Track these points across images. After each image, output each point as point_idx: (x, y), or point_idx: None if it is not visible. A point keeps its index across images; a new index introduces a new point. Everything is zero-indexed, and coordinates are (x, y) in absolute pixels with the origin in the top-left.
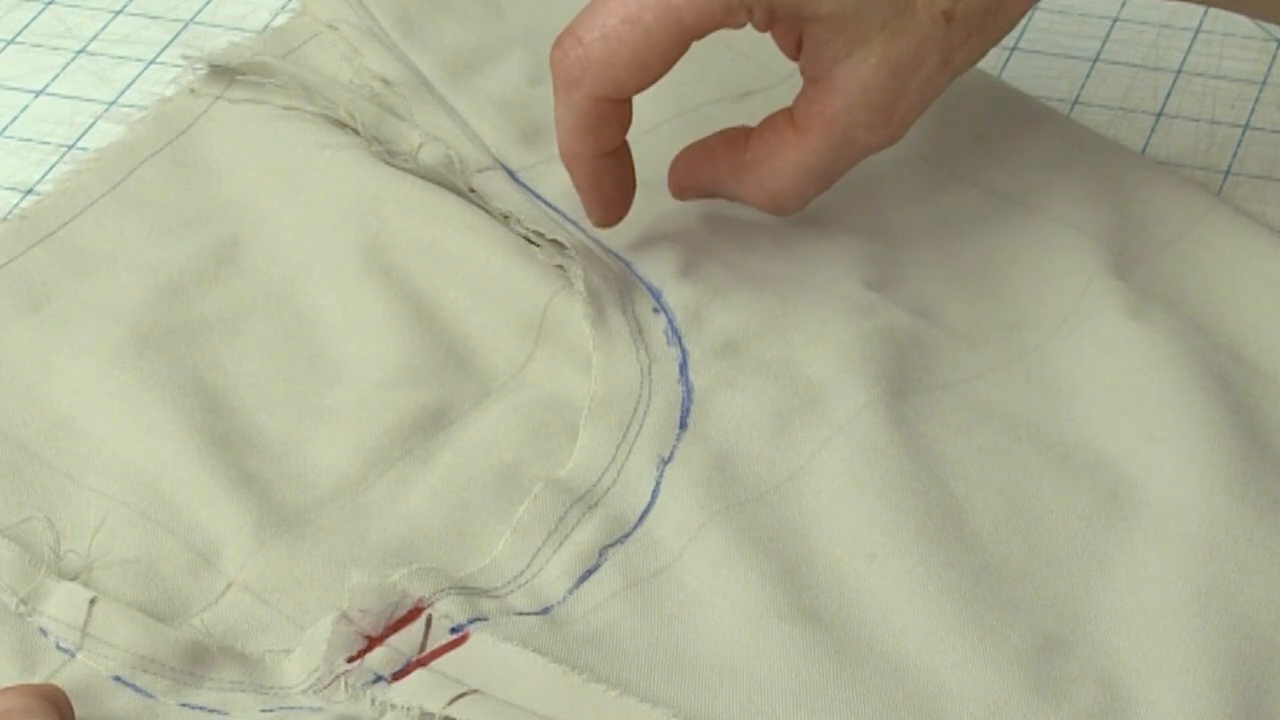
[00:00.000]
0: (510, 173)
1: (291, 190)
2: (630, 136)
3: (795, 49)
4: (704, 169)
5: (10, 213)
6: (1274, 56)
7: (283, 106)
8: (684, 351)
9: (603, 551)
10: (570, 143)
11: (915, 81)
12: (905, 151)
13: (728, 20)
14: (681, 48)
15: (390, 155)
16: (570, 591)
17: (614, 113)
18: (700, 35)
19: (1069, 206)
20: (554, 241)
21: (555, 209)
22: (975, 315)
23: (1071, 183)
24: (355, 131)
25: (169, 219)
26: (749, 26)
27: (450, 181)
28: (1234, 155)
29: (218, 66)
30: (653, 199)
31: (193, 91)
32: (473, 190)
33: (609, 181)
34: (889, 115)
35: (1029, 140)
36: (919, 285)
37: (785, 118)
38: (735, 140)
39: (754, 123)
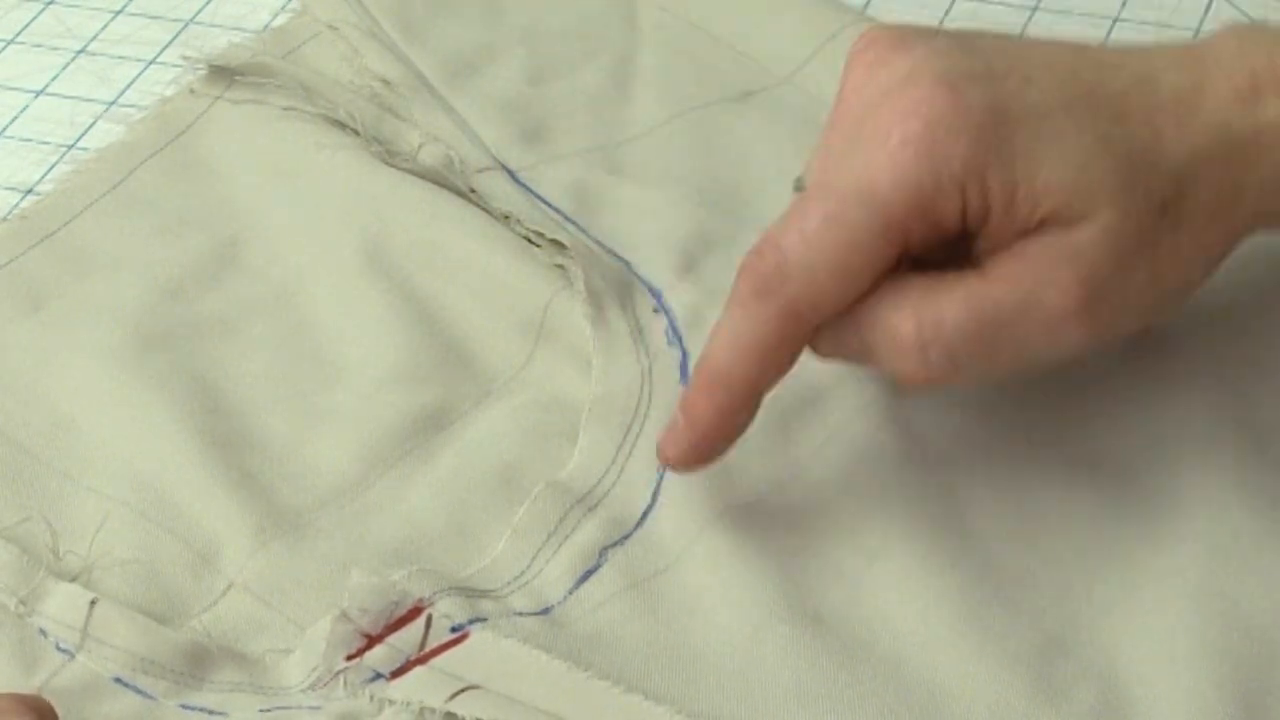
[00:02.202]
0: (510, 173)
1: (291, 190)
2: (630, 136)
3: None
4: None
5: (10, 213)
6: None
7: (283, 107)
8: (684, 352)
9: (603, 552)
10: (736, 364)
11: (1139, 272)
12: None
13: (937, 203)
14: (889, 248)
15: (390, 155)
16: (570, 591)
17: (799, 337)
18: (907, 233)
19: None
20: (554, 241)
21: (555, 209)
22: None
23: None
24: (355, 132)
25: (169, 219)
26: (749, 24)
27: (450, 182)
28: None
29: (218, 67)
30: (653, 199)
31: (193, 92)
32: (473, 190)
33: (735, 423)
34: (1092, 291)
35: None
36: None
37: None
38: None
39: (755, 123)
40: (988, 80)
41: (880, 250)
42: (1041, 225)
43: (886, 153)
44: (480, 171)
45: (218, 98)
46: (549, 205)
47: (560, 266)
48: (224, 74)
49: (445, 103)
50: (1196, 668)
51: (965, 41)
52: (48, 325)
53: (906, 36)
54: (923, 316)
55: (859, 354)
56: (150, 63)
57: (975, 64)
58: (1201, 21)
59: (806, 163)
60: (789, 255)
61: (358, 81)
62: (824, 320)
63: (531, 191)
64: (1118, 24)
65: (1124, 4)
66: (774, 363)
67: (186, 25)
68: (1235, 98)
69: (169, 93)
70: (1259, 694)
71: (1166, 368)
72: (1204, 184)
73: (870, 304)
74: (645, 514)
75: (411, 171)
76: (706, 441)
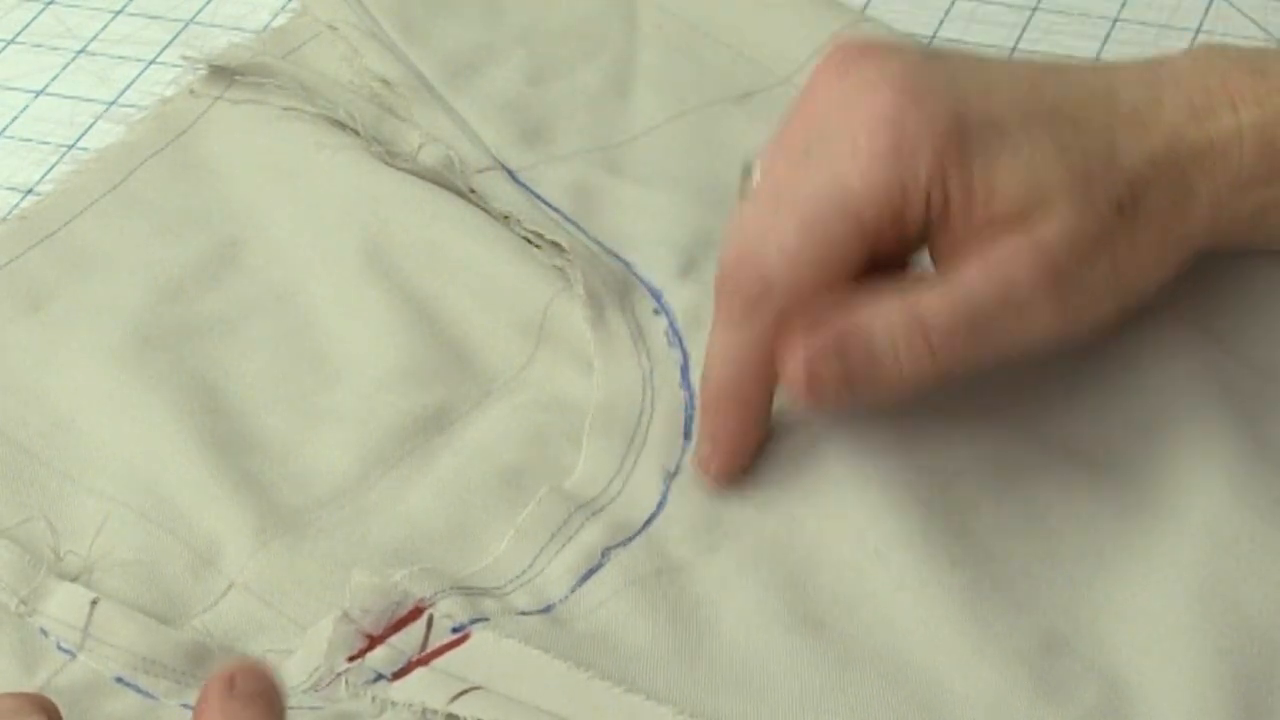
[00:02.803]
0: (510, 173)
1: (291, 190)
2: (630, 136)
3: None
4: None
5: (10, 213)
6: None
7: (283, 107)
8: (685, 353)
9: (605, 552)
10: (738, 379)
11: (1099, 266)
12: None
13: (905, 210)
14: (863, 254)
15: (390, 156)
16: (572, 590)
17: None
18: (879, 239)
19: None
20: (554, 242)
21: (555, 209)
22: None
23: None
24: (355, 132)
25: (169, 219)
26: (749, 24)
27: (450, 182)
28: None
29: (218, 67)
30: (653, 199)
31: (193, 92)
32: (473, 191)
33: (758, 427)
34: (1058, 278)
35: None
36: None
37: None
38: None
39: (755, 123)
40: (950, 92)
41: (856, 256)
42: (1003, 225)
43: (857, 163)
44: (480, 172)
45: (218, 98)
46: (549, 205)
47: (560, 267)
48: (224, 74)
49: (445, 103)
50: (1197, 666)
51: (931, 56)
52: (48, 325)
53: (874, 46)
54: (905, 314)
55: (841, 375)
56: (150, 63)
57: (938, 77)
58: (1201, 22)
59: (760, 152)
60: (771, 271)
61: (358, 82)
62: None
63: (531, 192)
64: (1118, 24)
65: (1124, 4)
66: (773, 371)
67: (186, 25)
68: (1190, 111)
69: (169, 93)
70: (1259, 693)
71: (1166, 368)
72: (1158, 188)
73: (850, 314)
74: (650, 518)
75: (411, 172)
76: (733, 456)
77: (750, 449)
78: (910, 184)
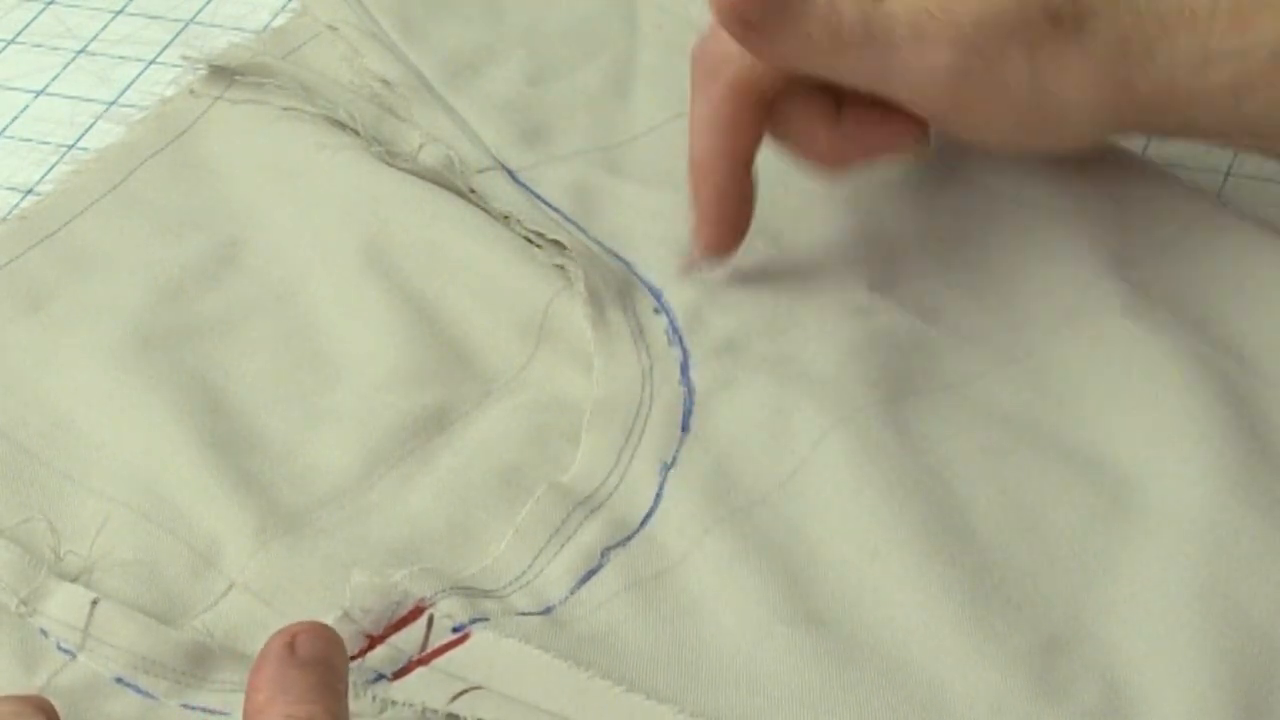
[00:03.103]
0: (510, 173)
1: (291, 191)
2: (630, 136)
3: None
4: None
5: (10, 213)
6: None
7: (283, 107)
8: (685, 352)
9: (604, 553)
10: (706, 142)
11: (1013, 61)
12: None
13: None
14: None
15: (390, 156)
16: (572, 591)
17: (753, 113)
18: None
19: (1070, 206)
20: (554, 242)
21: (555, 209)
22: (976, 316)
23: (1073, 183)
24: (355, 132)
25: (169, 219)
26: None
27: (450, 182)
28: (1234, 155)
29: (218, 67)
30: (653, 199)
31: (193, 92)
32: (473, 191)
33: (737, 196)
34: (965, 44)
35: None
36: (920, 286)
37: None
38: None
39: None
40: None
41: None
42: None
43: None
44: (480, 172)
45: (218, 98)
46: (549, 205)
47: (560, 267)
48: (224, 74)
49: (445, 103)
50: (1197, 667)
51: None
52: (48, 325)
53: None
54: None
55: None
56: (150, 63)
57: None
58: None
59: None
60: (731, 43)
61: (358, 82)
62: (767, 94)
63: (531, 192)
64: None
65: None
66: (742, 134)
67: (186, 25)
68: None
69: (169, 93)
70: (1260, 693)
71: (1167, 369)
72: (1107, 21)
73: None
74: (648, 515)
75: (412, 172)
76: (714, 225)
77: (732, 221)
78: None
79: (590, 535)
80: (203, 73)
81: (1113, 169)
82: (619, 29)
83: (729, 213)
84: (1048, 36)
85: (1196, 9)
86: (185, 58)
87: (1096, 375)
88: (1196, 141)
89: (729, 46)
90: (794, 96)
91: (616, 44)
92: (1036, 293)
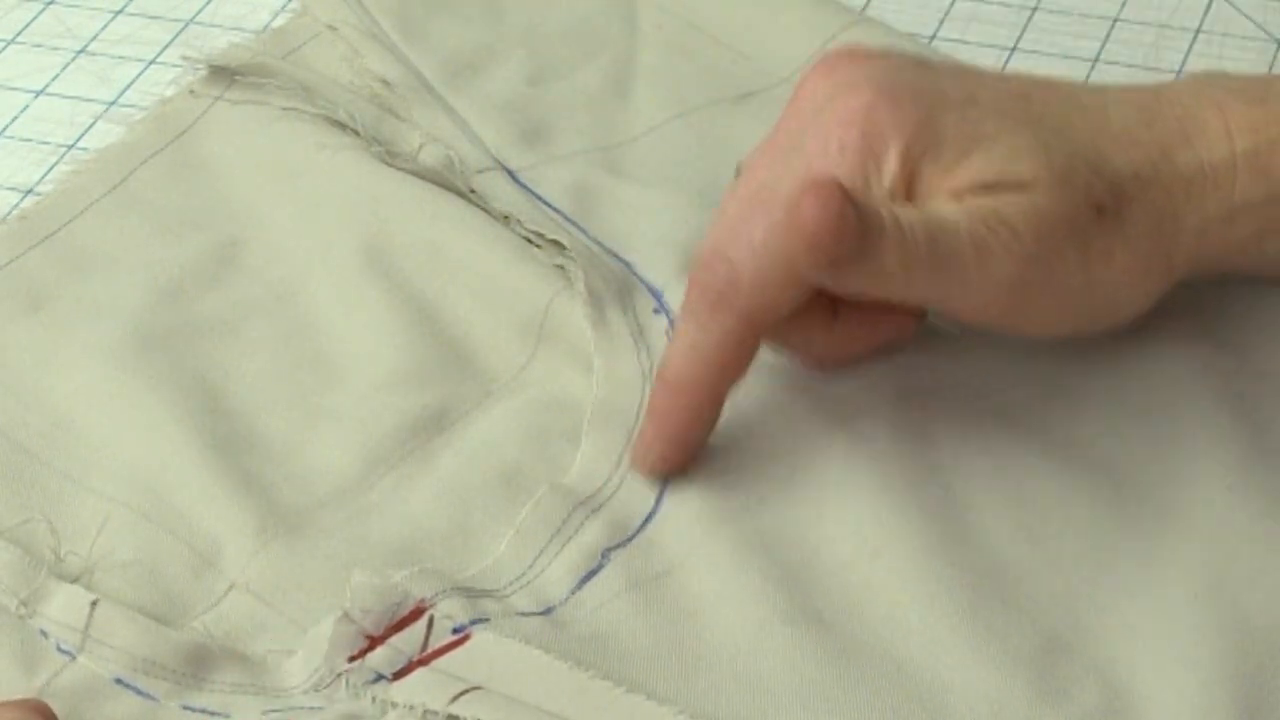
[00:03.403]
0: (510, 173)
1: (291, 191)
2: (630, 136)
3: None
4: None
5: (10, 213)
6: (1274, 56)
7: (283, 107)
8: None
9: (605, 553)
10: (697, 371)
11: (1068, 260)
12: None
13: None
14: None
15: (390, 156)
16: (572, 592)
17: (753, 343)
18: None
19: None
20: (554, 242)
21: (555, 209)
22: None
23: None
24: (355, 132)
25: (169, 219)
26: (749, 24)
27: (450, 182)
28: None
29: (218, 67)
30: (653, 199)
31: (192, 92)
32: (473, 191)
33: (708, 423)
34: (1023, 250)
35: None
36: None
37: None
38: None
39: (755, 123)
40: (931, 92)
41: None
42: (979, 190)
43: (828, 158)
44: (480, 172)
45: (218, 98)
46: (549, 206)
47: (560, 267)
48: (224, 74)
49: (445, 103)
50: (1198, 667)
51: (922, 62)
52: (48, 325)
53: (864, 50)
54: (888, 206)
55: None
56: (150, 63)
57: (923, 80)
58: (1201, 22)
59: (750, 153)
60: (739, 268)
61: (358, 82)
62: (773, 322)
63: (532, 192)
64: (1118, 24)
65: (1124, 4)
66: (732, 368)
67: (186, 25)
68: (1182, 135)
69: (169, 93)
70: (1260, 693)
71: (1167, 369)
72: (1142, 205)
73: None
74: (649, 517)
75: (412, 172)
76: (676, 446)
77: (694, 446)
78: (875, 176)
79: (591, 536)
80: (203, 73)
81: None
82: (619, 29)
83: (695, 437)
84: (1095, 232)
85: (1217, 165)
86: (185, 58)
87: (1097, 375)
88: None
89: (740, 275)
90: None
91: (616, 44)
92: None
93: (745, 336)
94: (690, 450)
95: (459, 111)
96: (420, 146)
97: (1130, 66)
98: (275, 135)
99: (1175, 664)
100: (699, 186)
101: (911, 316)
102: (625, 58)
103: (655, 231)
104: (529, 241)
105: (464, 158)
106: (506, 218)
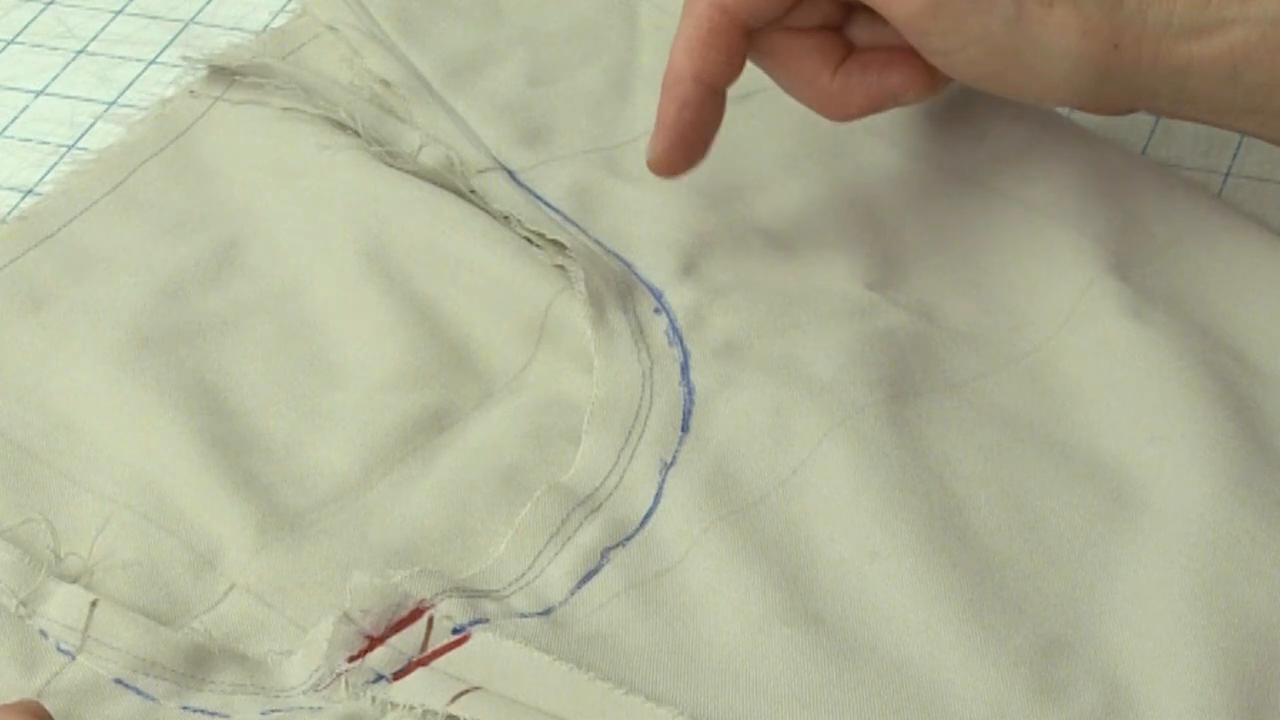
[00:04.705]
0: (510, 173)
1: (291, 191)
2: (630, 137)
3: None
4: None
5: (10, 213)
6: None
7: (283, 108)
8: (685, 352)
9: (604, 553)
10: (679, 61)
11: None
12: (904, 150)
13: None
14: None
15: (390, 156)
16: (572, 593)
17: (728, 39)
18: None
19: (1071, 206)
20: (555, 242)
21: (556, 209)
22: (977, 316)
23: (1073, 183)
24: (355, 133)
25: (169, 220)
26: None
27: (451, 183)
28: (1234, 156)
29: (218, 67)
30: (653, 199)
31: (193, 93)
32: (473, 191)
33: (693, 118)
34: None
35: (1030, 140)
36: (920, 285)
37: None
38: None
39: (755, 123)
40: None
41: None
42: None
43: None
44: (481, 172)
45: (218, 98)
46: (549, 206)
47: (561, 267)
48: (224, 75)
49: (445, 103)
50: (1198, 667)
51: None
52: (48, 326)
53: None
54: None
55: None
56: (150, 63)
57: None
58: None
59: None
60: None
61: (358, 82)
62: (750, 19)
63: (532, 192)
64: None
65: None
66: (715, 60)
67: (186, 25)
68: None
69: (169, 93)
70: (1261, 694)
71: (1167, 369)
72: None
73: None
74: (647, 516)
75: (412, 172)
76: (678, 138)
77: (687, 140)
78: None
79: (590, 536)
80: (203, 73)
81: (1114, 170)
82: (619, 29)
83: (684, 134)
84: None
85: None
86: (185, 58)
87: (1096, 375)
88: (1191, 121)
89: None
90: (798, 36)
91: (616, 44)
92: (1037, 293)
93: (721, 24)
94: (683, 149)
95: (459, 112)
96: (420, 147)
97: None
98: (275, 135)
99: (1176, 664)
100: (699, 186)
101: (921, 70)
102: (625, 58)
103: (655, 231)
104: (529, 242)
105: (464, 158)
106: (507, 218)
